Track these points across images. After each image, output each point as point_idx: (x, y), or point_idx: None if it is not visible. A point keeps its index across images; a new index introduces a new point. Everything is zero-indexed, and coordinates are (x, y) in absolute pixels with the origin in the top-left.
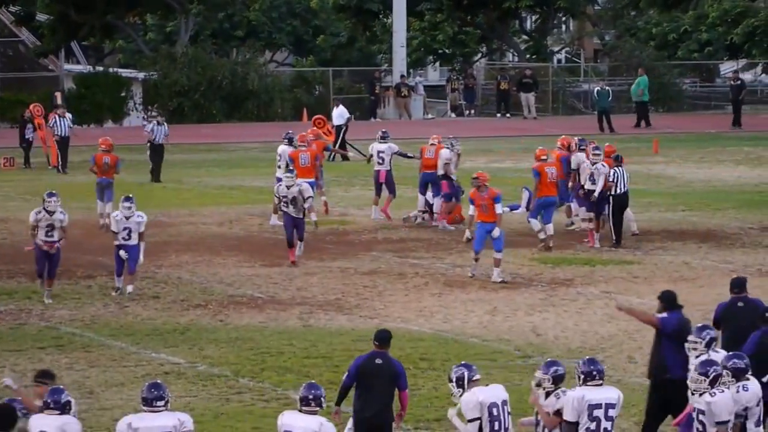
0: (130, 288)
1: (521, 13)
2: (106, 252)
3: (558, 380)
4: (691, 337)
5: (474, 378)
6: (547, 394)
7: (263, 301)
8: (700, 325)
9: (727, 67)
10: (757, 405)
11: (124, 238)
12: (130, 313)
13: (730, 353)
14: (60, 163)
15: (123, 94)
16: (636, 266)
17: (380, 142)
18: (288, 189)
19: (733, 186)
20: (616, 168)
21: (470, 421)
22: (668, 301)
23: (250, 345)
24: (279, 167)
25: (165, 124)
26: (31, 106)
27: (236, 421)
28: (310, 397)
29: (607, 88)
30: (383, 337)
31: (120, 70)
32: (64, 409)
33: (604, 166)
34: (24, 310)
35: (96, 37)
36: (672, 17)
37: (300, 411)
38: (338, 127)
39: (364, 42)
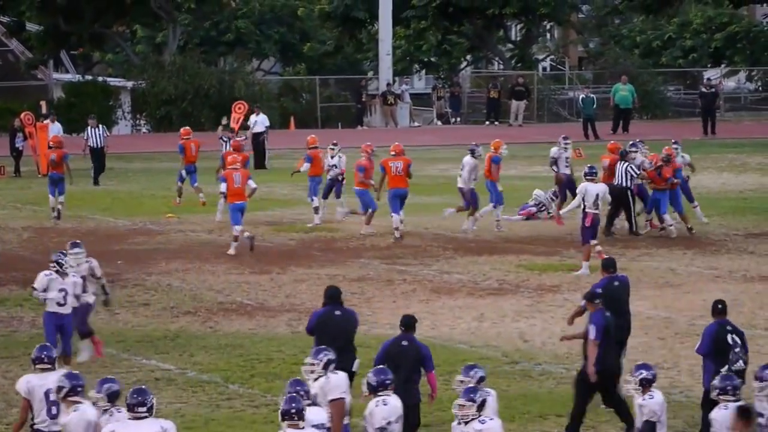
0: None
1: (506, 21)
2: (97, 259)
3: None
4: (308, 360)
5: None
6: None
7: (252, 308)
8: (317, 347)
9: (710, 75)
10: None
11: (59, 303)
12: (120, 320)
13: (377, 366)
14: (93, 175)
15: (111, 102)
16: (622, 272)
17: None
18: (74, 268)
19: (718, 193)
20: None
21: None
22: (330, 297)
23: (239, 351)
24: (460, 176)
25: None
26: (22, 115)
27: (226, 427)
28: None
29: (591, 95)
30: (408, 322)
31: (108, 78)
32: (55, 363)
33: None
34: (15, 318)
35: (85, 46)
36: (656, 25)
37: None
38: (257, 135)
39: (350, 50)
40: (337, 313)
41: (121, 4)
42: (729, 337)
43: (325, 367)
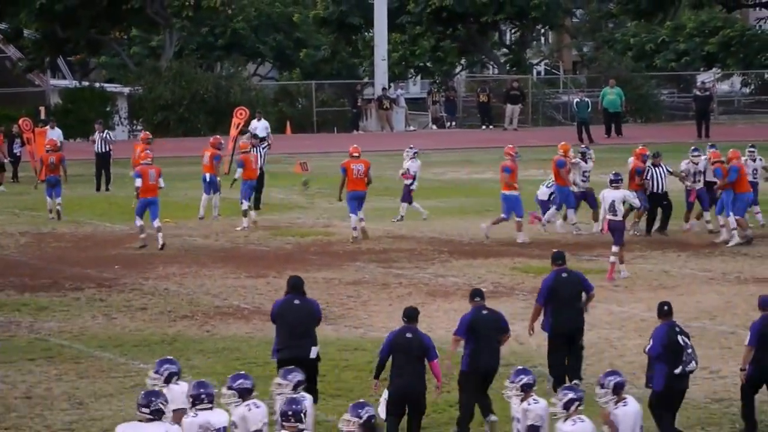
0: None
1: (501, 26)
2: (94, 264)
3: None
4: (151, 373)
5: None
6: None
7: (249, 312)
8: (161, 359)
9: (704, 78)
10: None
11: None
12: (118, 324)
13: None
14: (106, 181)
15: (108, 108)
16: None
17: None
18: None
19: None
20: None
21: None
22: (292, 286)
23: (236, 355)
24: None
25: (260, 146)
26: (20, 121)
27: None
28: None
29: (586, 99)
30: (411, 314)
31: (105, 84)
32: None
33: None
34: (13, 323)
35: (81, 52)
36: (649, 28)
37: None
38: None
39: (346, 55)
40: (297, 302)
41: (117, 10)
42: (679, 339)
43: (167, 380)
